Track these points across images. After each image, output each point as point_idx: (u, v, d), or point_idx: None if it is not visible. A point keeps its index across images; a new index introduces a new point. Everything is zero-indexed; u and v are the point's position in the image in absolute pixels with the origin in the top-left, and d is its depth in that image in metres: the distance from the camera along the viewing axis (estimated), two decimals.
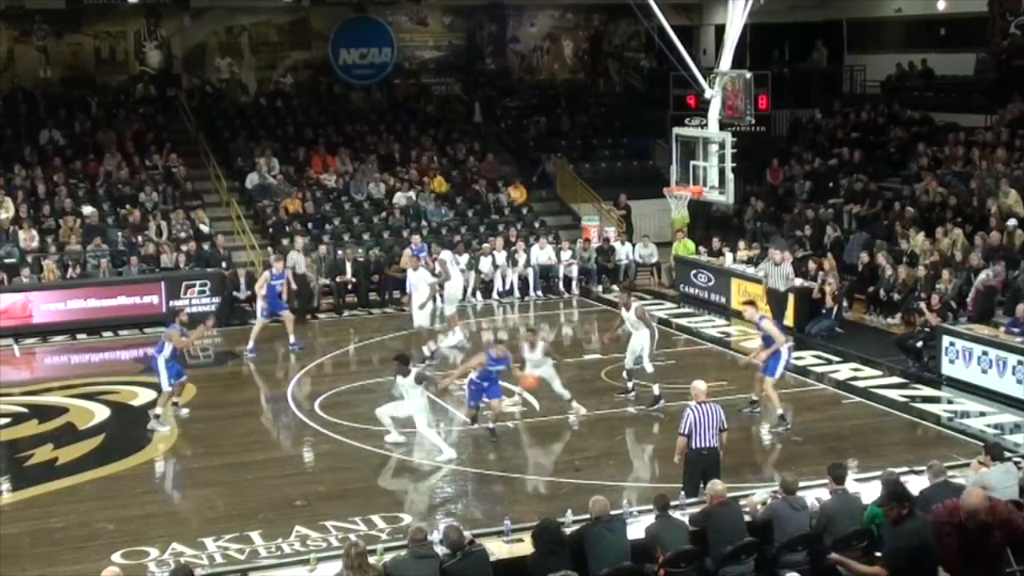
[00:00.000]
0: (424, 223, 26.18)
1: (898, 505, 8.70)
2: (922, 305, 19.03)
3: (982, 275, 19.49)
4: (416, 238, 22.73)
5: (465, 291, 23.07)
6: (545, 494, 13.41)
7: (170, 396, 16.46)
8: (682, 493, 11.51)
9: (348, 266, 23.63)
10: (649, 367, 16.53)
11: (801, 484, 10.80)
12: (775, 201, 27.42)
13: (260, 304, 20.22)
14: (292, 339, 20.25)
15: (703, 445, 11.99)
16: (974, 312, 18.91)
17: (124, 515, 12.95)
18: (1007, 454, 11.74)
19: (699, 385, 12.50)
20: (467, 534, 9.82)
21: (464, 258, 23.71)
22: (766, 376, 15.42)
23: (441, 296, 20.41)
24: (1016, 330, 16.97)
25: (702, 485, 11.46)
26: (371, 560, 9.22)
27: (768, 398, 15.52)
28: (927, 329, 18.35)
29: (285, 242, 24.06)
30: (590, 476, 13.72)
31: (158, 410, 16.23)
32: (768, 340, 15.48)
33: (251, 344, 19.95)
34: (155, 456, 15.18)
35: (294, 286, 21.88)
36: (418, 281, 19.46)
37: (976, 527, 7.96)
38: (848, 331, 20.53)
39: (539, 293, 24.50)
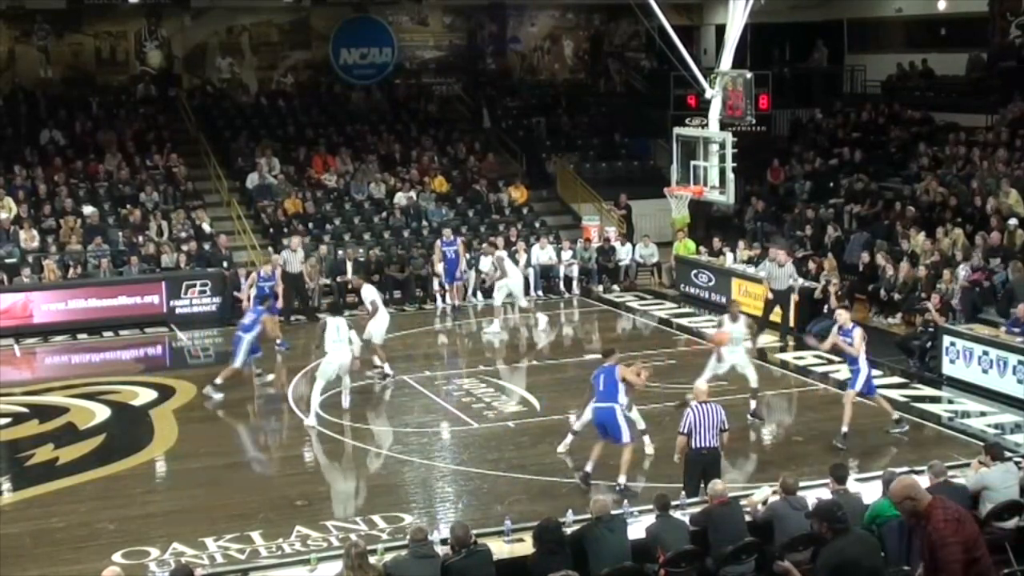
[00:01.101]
0: (425, 223, 26.18)
1: (820, 523, 8.67)
2: (929, 304, 19.01)
3: (962, 273, 19.42)
4: (447, 231, 23.36)
5: (527, 287, 23.45)
6: (545, 494, 13.39)
7: (237, 373, 17.35)
8: (683, 493, 11.53)
9: (349, 266, 23.62)
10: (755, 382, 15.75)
11: (801, 484, 10.81)
12: (776, 201, 27.42)
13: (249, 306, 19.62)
14: (278, 341, 19.90)
15: (703, 445, 12.00)
16: (963, 311, 18.86)
17: (125, 515, 12.96)
18: (1007, 454, 11.74)
19: (700, 385, 12.54)
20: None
21: (523, 257, 24.03)
22: (850, 390, 14.87)
23: (488, 292, 22.53)
24: (1016, 330, 16.96)
25: (702, 485, 11.48)
26: (371, 560, 9.21)
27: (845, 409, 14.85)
28: (931, 329, 18.33)
29: (285, 242, 24.06)
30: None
31: (219, 380, 17.26)
32: (849, 343, 14.90)
33: (279, 337, 19.77)
34: (156, 456, 15.18)
35: (280, 285, 21.87)
36: (365, 300, 18.37)
37: (910, 517, 7.70)
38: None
39: (540, 293, 24.49)
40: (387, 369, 18.12)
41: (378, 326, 18.20)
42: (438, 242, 23.35)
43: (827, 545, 8.54)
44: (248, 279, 20.63)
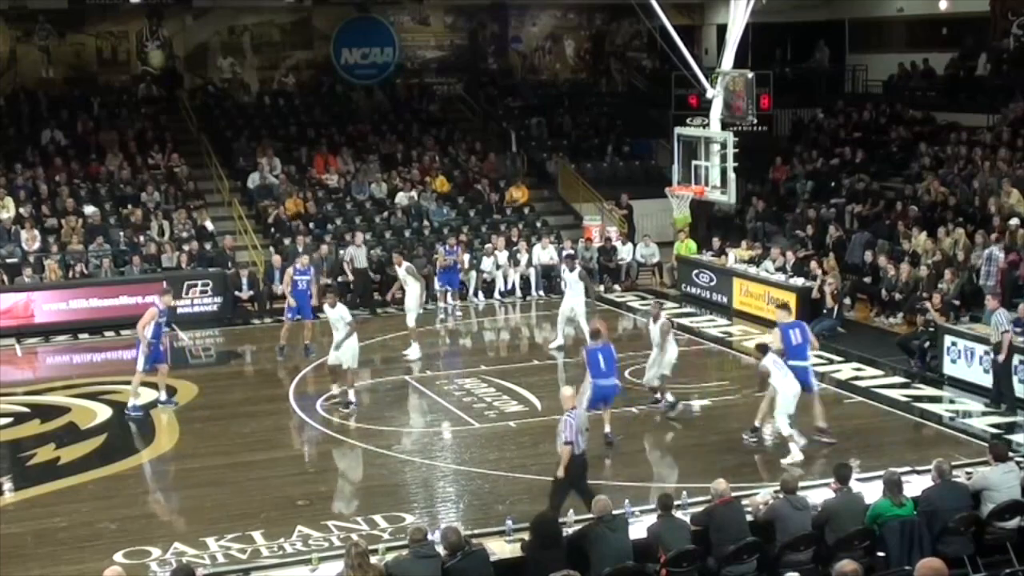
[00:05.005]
0: (426, 223, 26.18)
1: None
2: (928, 304, 19.00)
3: (999, 254, 19.28)
4: (304, 258, 20.65)
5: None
6: (547, 494, 13.36)
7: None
8: (684, 493, 11.48)
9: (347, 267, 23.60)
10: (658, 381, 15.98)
11: (802, 484, 10.81)
12: (777, 201, 27.42)
13: (143, 348, 16.67)
14: (163, 395, 17.01)
15: (582, 449, 11.85)
16: (1002, 291, 18.72)
17: (126, 515, 12.96)
18: (1010, 454, 11.74)
19: (566, 392, 12.30)
20: (464, 534, 9.81)
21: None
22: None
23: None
24: (1018, 329, 16.93)
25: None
26: (372, 560, 9.22)
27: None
28: (931, 328, 18.31)
29: (288, 241, 24.07)
30: (591, 476, 13.70)
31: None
32: None
33: (133, 401, 16.62)
34: (157, 456, 15.18)
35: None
36: (336, 319, 16.46)
37: None
38: (850, 331, 20.52)
39: (541, 293, 24.47)
40: (351, 396, 16.47)
41: (349, 350, 16.51)
42: (289, 270, 19.96)
43: None
44: (146, 315, 16.72)
